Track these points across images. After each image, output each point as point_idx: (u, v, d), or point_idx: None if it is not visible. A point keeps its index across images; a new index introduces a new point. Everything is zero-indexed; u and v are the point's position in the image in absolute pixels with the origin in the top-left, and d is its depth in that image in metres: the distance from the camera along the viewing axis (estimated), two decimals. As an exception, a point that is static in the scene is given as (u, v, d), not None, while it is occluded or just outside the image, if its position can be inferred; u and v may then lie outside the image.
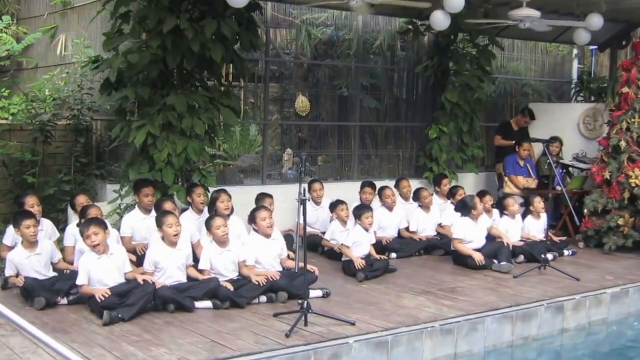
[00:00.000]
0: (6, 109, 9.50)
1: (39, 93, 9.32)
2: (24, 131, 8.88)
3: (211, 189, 8.04)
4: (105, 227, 6.34)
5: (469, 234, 8.38)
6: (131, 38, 7.88)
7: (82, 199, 7.43)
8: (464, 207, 8.53)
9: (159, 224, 6.56)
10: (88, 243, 6.20)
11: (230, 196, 7.76)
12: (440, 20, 8.54)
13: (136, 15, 7.75)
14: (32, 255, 6.51)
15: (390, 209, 9.07)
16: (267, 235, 7.03)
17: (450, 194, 9.66)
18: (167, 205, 7.27)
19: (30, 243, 6.54)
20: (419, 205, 9.37)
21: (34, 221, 6.57)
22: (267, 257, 6.98)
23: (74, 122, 8.92)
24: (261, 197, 8.41)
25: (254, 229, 7.14)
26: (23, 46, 11.16)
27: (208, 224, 6.82)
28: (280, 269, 7.01)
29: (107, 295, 5.92)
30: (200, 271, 6.71)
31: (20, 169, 8.69)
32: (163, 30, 7.44)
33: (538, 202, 9.07)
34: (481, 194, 8.95)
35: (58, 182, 8.60)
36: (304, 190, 5.87)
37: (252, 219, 7.15)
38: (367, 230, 7.92)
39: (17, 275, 6.48)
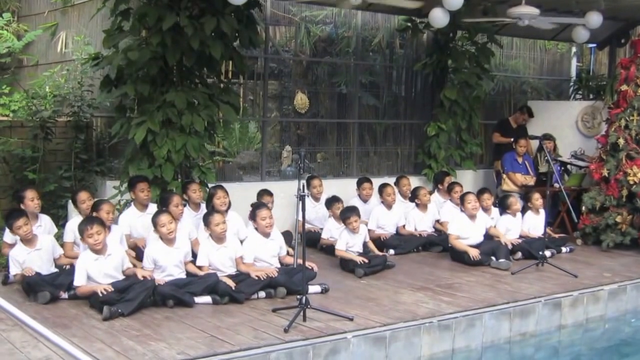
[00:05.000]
0: (7, 106, 9.52)
1: (39, 90, 9.32)
2: (25, 128, 8.89)
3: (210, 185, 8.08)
4: (104, 226, 6.36)
5: (465, 230, 8.42)
6: (131, 35, 7.91)
7: (84, 196, 7.39)
8: (461, 202, 8.62)
9: (154, 225, 6.59)
10: (91, 242, 6.18)
11: (227, 192, 7.80)
12: (439, 17, 8.58)
13: (136, 13, 7.76)
14: (33, 251, 6.52)
15: (389, 207, 9.10)
16: (266, 235, 7.06)
17: (448, 191, 9.69)
18: (175, 199, 7.34)
19: (28, 240, 6.55)
20: (416, 204, 9.38)
21: (25, 219, 6.55)
22: (266, 255, 7.02)
23: (74, 119, 8.93)
24: (262, 193, 8.44)
25: (254, 227, 7.17)
26: (23, 43, 11.17)
27: (206, 220, 6.84)
28: (279, 266, 7.03)
29: (109, 291, 5.95)
30: (199, 267, 6.74)
31: (20, 166, 8.70)
32: (163, 27, 7.45)
33: (536, 199, 9.11)
34: (480, 192, 8.98)
35: (58, 178, 8.62)
36: (303, 186, 5.91)
37: (252, 216, 7.18)
38: (354, 232, 7.92)
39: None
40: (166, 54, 7.65)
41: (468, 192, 8.77)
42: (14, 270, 6.53)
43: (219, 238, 6.78)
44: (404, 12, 10.56)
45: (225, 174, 10.17)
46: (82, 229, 6.29)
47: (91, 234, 6.17)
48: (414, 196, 9.42)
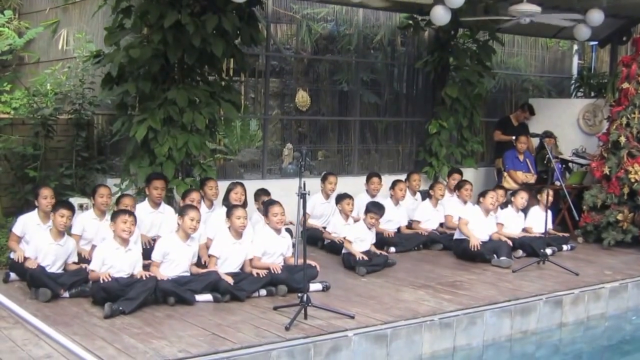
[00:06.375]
0: (8, 104, 9.52)
1: (40, 87, 9.34)
2: (26, 125, 8.90)
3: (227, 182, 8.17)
4: (136, 222, 6.47)
5: (475, 222, 8.45)
6: (132, 33, 7.93)
7: (104, 190, 7.38)
8: (481, 196, 8.70)
9: (182, 213, 6.63)
10: (122, 227, 6.24)
11: (245, 189, 7.93)
12: (440, 15, 8.58)
13: (137, 10, 7.77)
14: (55, 244, 6.52)
15: (397, 202, 9.13)
16: (277, 231, 7.07)
17: (457, 188, 9.70)
18: (192, 195, 7.41)
19: (58, 232, 6.56)
20: (429, 196, 9.47)
21: (70, 213, 6.62)
22: (275, 251, 7.01)
23: (76, 117, 8.94)
24: (260, 193, 8.42)
25: (265, 222, 7.18)
26: (25, 41, 11.17)
27: (230, 212, 6.89)
28: (282, 264, 7.03)
29: (108, 279, 5.98)
30: (210, 256, 6.76)
31: (22, 163, 8.71)
32: (164, 24, 7.45)
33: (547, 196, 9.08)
34: (496, 188, 9.10)
35: (59, 176, 8.62)
36: (304, 184, 5.90)
37: (265, 212, 7.17)
38: (369, 228, 7.97)
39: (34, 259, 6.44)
40: (167, 51, 7.65)
41: (489, 190, 8.81)
42: (28, 253, 6.48)
43: (237, 232, 6.80)
44: (408, 9, 10.54)
45: (226, 171, 10.17)
46: (116, 215, 6.37)
47: (125, 220, 6.27)
48: (431, 189, 9.55)
